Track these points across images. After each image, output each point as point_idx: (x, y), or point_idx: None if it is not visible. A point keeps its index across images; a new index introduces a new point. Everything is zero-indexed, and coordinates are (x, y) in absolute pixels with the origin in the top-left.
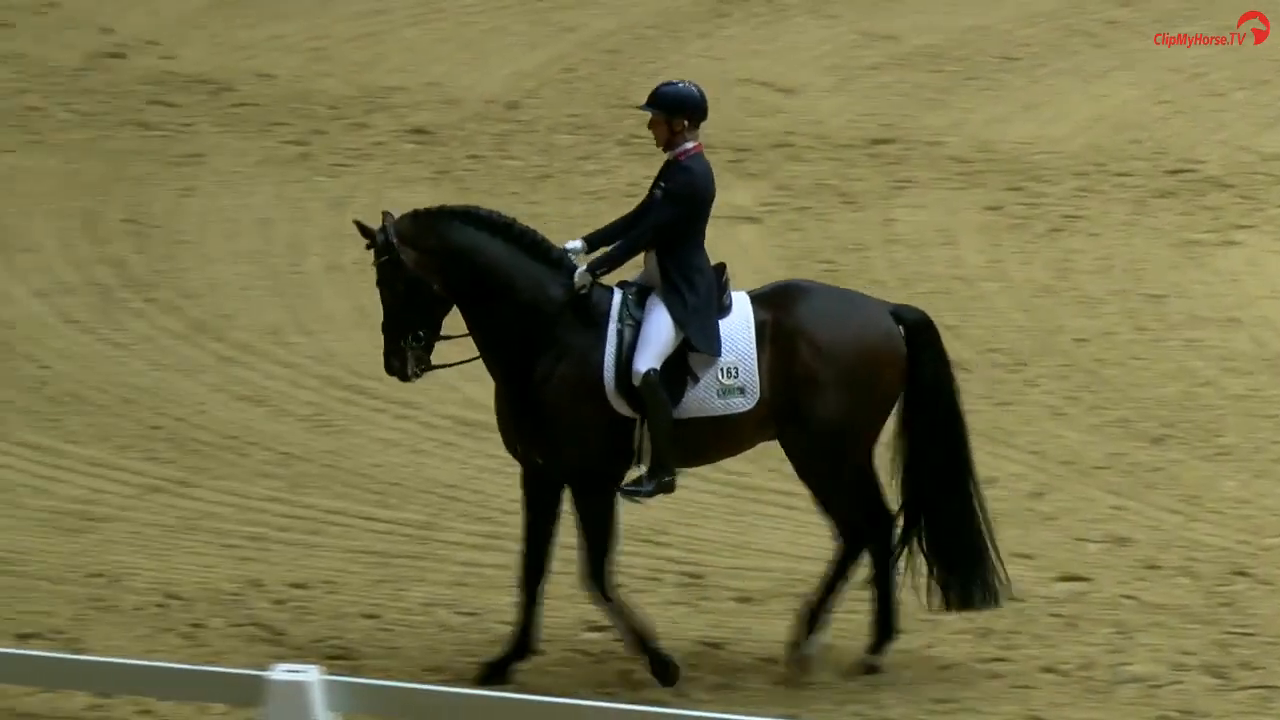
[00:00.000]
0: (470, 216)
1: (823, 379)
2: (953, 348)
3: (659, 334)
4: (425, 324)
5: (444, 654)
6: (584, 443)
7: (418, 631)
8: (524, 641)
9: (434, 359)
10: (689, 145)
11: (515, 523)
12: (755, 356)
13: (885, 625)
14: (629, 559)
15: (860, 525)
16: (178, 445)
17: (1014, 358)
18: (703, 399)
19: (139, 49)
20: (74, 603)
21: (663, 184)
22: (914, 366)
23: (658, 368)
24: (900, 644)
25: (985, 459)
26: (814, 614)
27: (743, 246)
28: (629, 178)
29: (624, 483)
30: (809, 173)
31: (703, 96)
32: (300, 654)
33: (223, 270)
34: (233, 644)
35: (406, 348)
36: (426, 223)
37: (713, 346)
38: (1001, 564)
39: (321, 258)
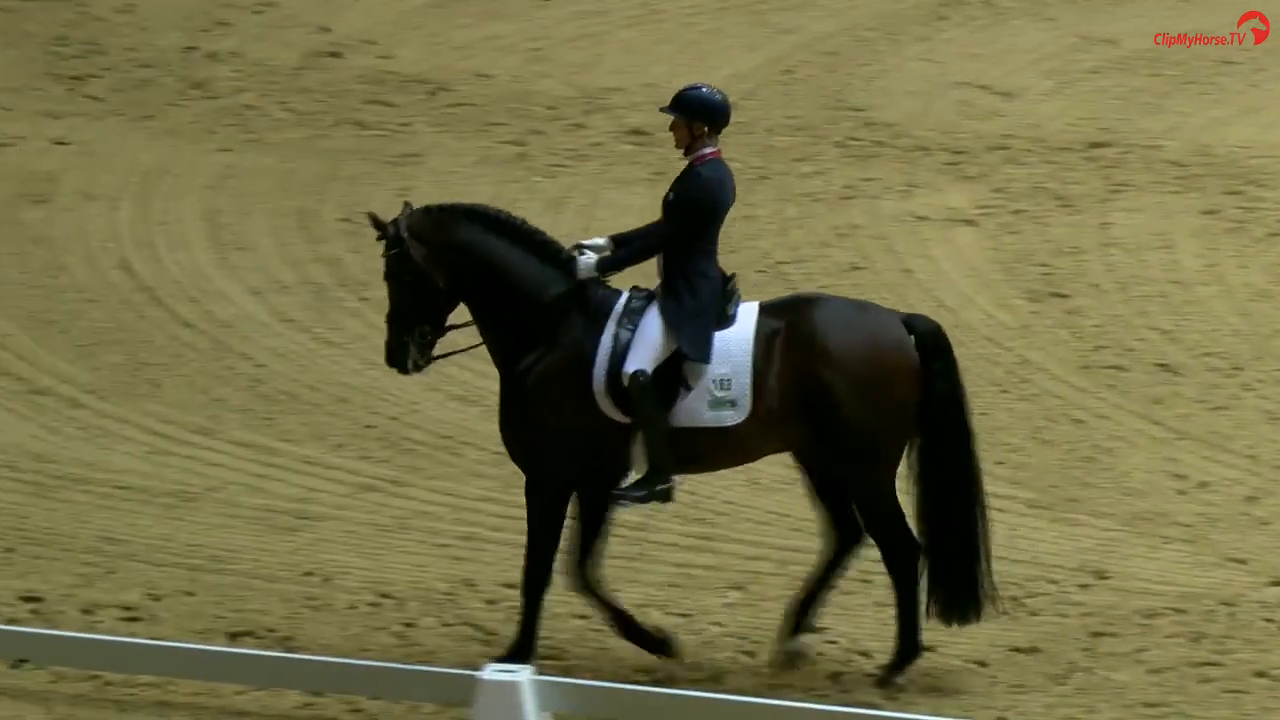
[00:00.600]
0: (477, 214)
1: (836, 388)
2: (1167, 352)
3: (651, 337)
4: (429, 319)
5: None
6: (558, 439)
7: None
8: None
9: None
10: (707, 151)
11: (727, 524)
12: (750, 370)
13: (910, 642)
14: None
15: (897, 545)
16: (391, 444)
17: (1230, 362)
18: (693, 409)
19: (356, 48)
20: (287, 601)
21: (674, 190)
22: (926, 376)
23: (648, 370)
24: (1108, 648)
25: (1200, 463)
26: (801, 611)
27: (958, 249)
28: (845, 180)
29: (618, 487)
30: (1026, 176)
31: (725, 103)
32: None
33: None
34: (444, 643)
35: (410, 341)
36: (437, 219)
37: (703, 354)
38: (991, 575)
39: None
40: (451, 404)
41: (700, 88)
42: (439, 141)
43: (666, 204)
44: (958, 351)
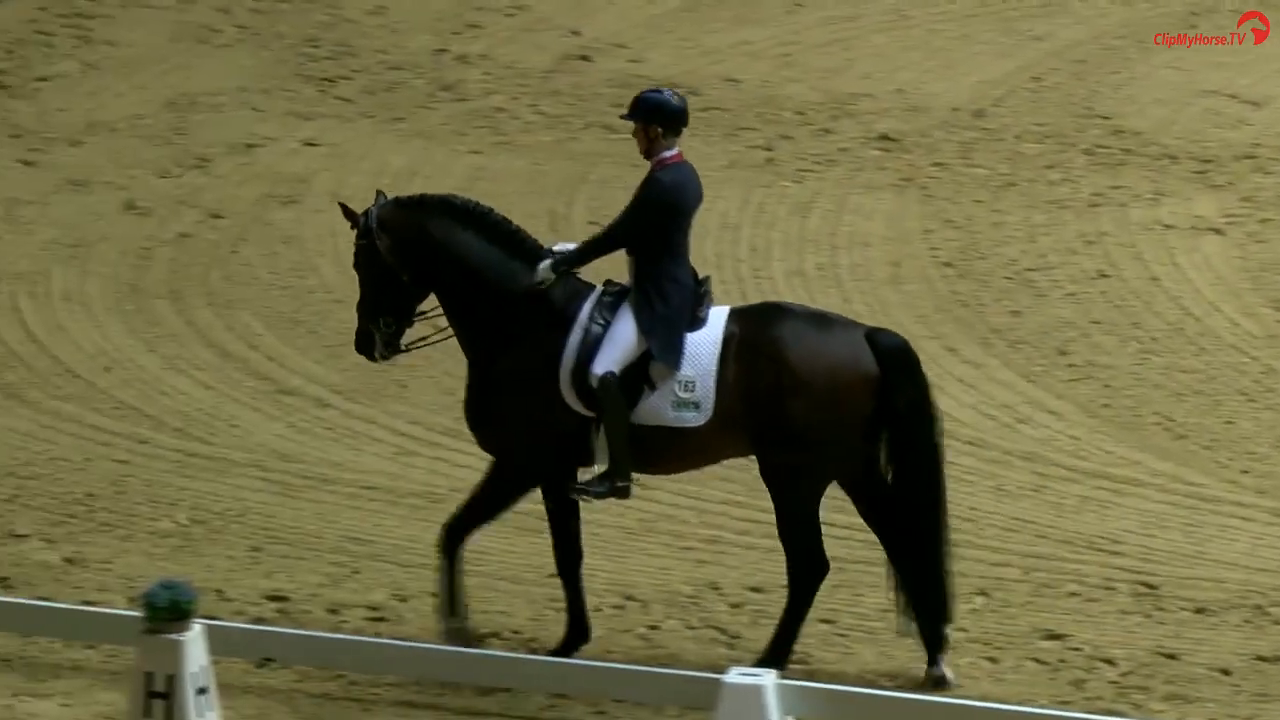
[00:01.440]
0: (447, 206)
1: (787, 396)
2: None
3: (623, 340)
4: (396, 310)
5: (898, 660)
6: (522, 430)
7: (873, 637)
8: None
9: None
10: (667, 154)
11: (973, 530)
12: (715, 374)
13: (779, 654)
14: (1082, 567)
15: (803, 561)
16: None
17: None
18: (658, 408)
19: (607, 52)
20: (533, 603)
21: (634, 195)
22: (888, 391)
23: (616, 372)
24: None
25: None
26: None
27: (1205, 258)
28: (1093, 187)
29: (578, 481)
30: (1274, 185)
31: (680, 106)
32: (755, 657)
33: None
34: (688, 646)
35: (376, 330)
36: (405, 211)
37: (673, 360)
38: (950, 589)
39: (784, 262)
40: None
41: (658, 91)
42: (688, 145)
43: (627, 208)
44: (1202, 359)
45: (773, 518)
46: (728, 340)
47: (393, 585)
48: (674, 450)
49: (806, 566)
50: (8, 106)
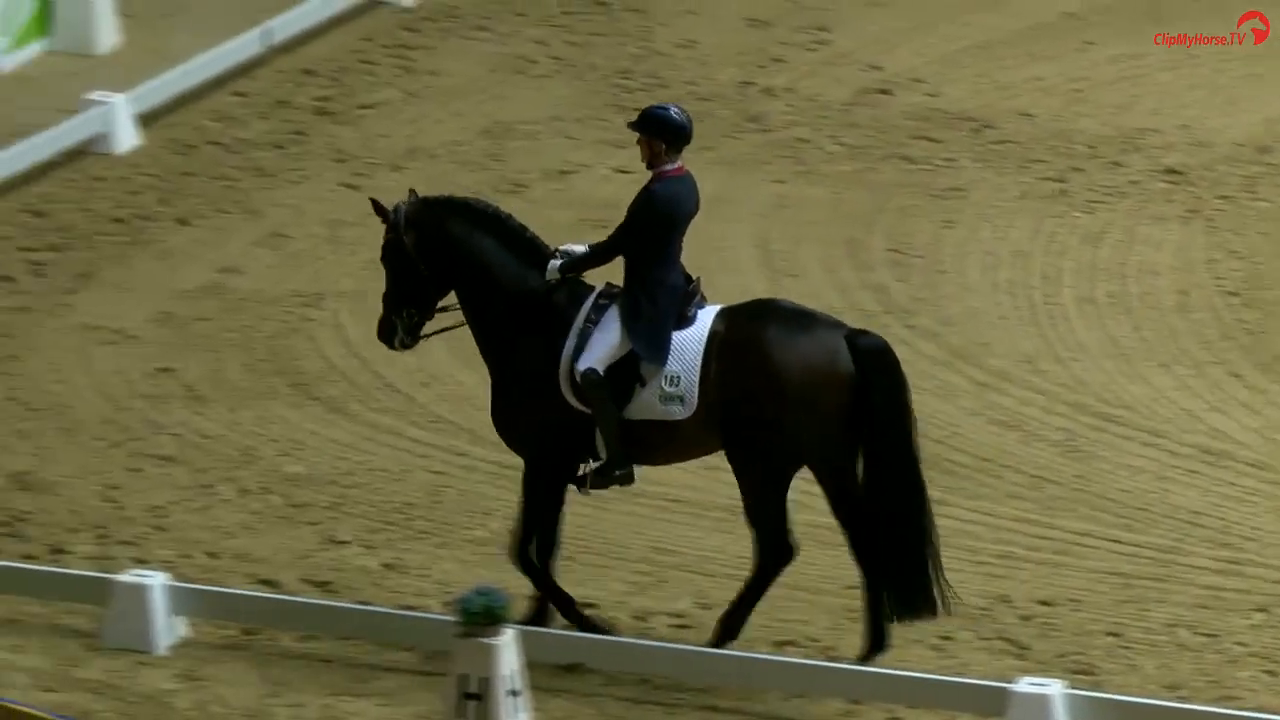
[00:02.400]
0: (467, 208)
1: (762, 393)
2: None
3: (607, 339)
4: (417, 303)
5: (1181, 673)
6: (535, 427)
7: (1158, 650)
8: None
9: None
10: (668, 167)
11: (1255, 549)
12: (699, 369)
13: (731, 627)
14: None
15: (768, 545)
16: (934, 465)
17: None
18: (647, 402)
19: (906, 86)
20: (829, 612)
21: (631, 204)
22: (867, 391)
23: (598, 368)
24: None
25: None
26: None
27: None
28: None
29: (581, 474)
30: None
31: (684, 123)
32: (1044, 668)
33: (980, 300)
34: (979, 657)
35: (399, 320)
36: (430, 210)
37: (658, 356)
38: (943, 577)
39: (1074, 289)
40: (991, 428)
41: (665, 108)
42: (982, 177)
43: (625, 218)
44: None
45: (1060, 535)
46: (712, 337)
47: (696, 593)
48: (666, 441)
49: (772, 551)
50: (332, 132)
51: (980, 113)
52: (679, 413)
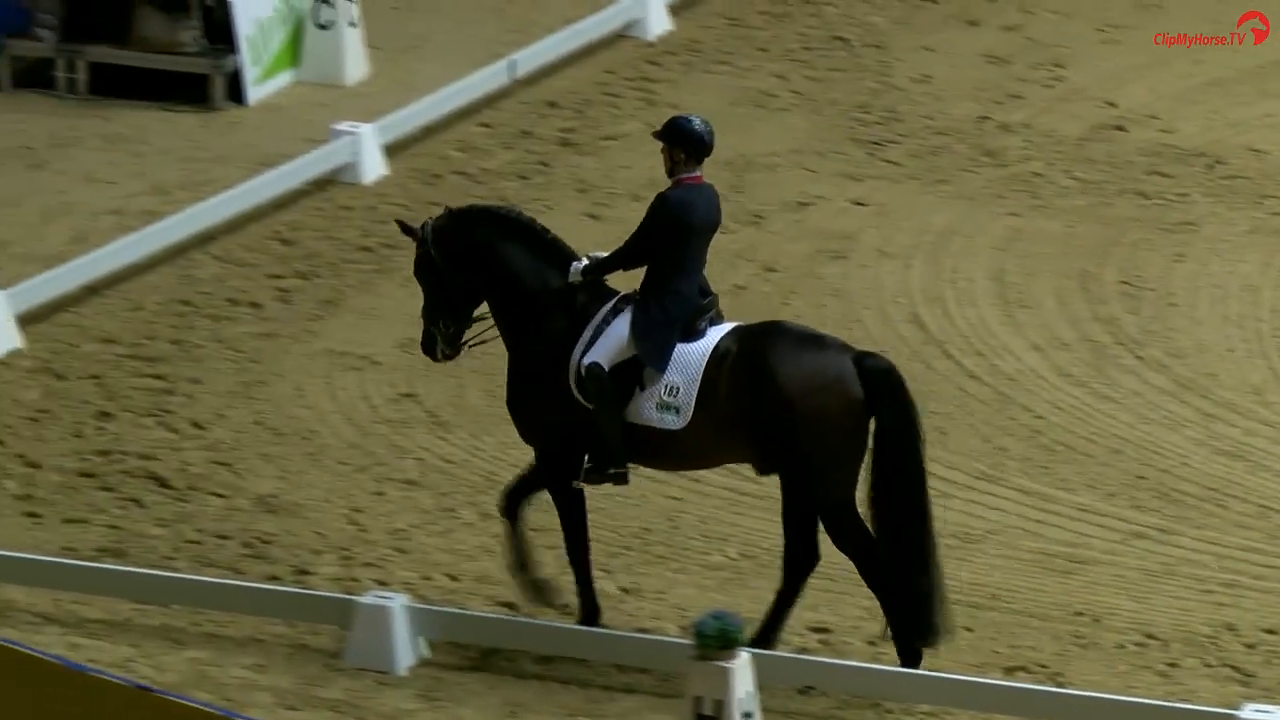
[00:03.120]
0: (491, 216)
1: (771, 414)
2: None
3: (614, 338)
4: (453, 314)
5: None
6: (545, 425)
7: None
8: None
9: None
10: (685, 176)
11: None
12: (699, 383)
13: (910, 655)
14: None
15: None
16: (1161, 495)
17: None
18: (643, 407)
19: (1139, 122)
20: (1057, 639)
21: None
22: (874, 413)
23: (602, 363)
24: None
25: None
26: (764, 637)
27: None
28: None
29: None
30: None
31: (702, 135)
32: (1268, 695)
33: (1209, 332)
34: (1204, 684)
35: (438, 332)
36: (456, 222)
37: (658, 363)
38: (944, 603)
39: None
40: (1220, 458)
41: (688, 119)
42: (1213, 211)
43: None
44: None
45: None
46: (722, 354)
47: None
48: (658, 449)
49: (859, 554)
50: (575, 163)
51: (1212, 149)
52: (673, 423)
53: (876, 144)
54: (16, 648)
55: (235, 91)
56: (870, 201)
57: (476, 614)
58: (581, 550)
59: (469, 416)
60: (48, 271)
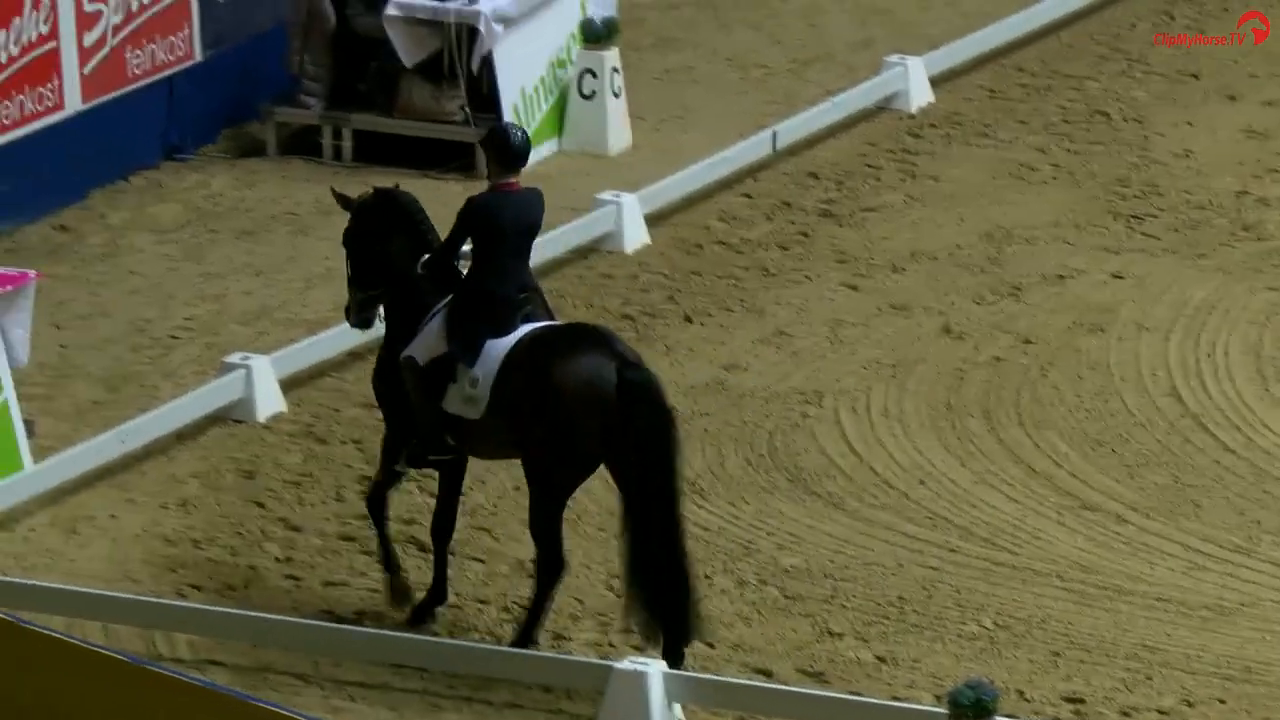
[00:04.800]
0: (397, 204)
1: (528, 410)
2: None
3: (432, 333)
4: (362, 284)
5: None
6: (386, 408)
7: None
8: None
9: None
10: (499, 182)
11: None
12: (494, 376)
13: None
14: None
15: (541, 558)
16: None
17: None
18: (453, 398)
19: None
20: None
21: None
22: (626, 420)
23: (416, 357)
24: None
25: None
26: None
27: None
28: None
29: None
30: None
31: (510, 143)
32: None
33: None
34: None
35: (351, 301)
36: (374, 202)
37: (466, 358)
38: (695, 605)
39: None
40: None
41: (505, 128)
42: None
43: None
44: None
45: None
46: (515, 350)
47: (1182, 691)
48: (464, 437)
49: (545, 564)
50: (836, 234)
51: None
52: (472, 414)
53: (1135, 217)
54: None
55: None
56: (1129, 275)
57: (732, 680)
58: (383, 524)
59: (727, 484)
60: (310, 337)
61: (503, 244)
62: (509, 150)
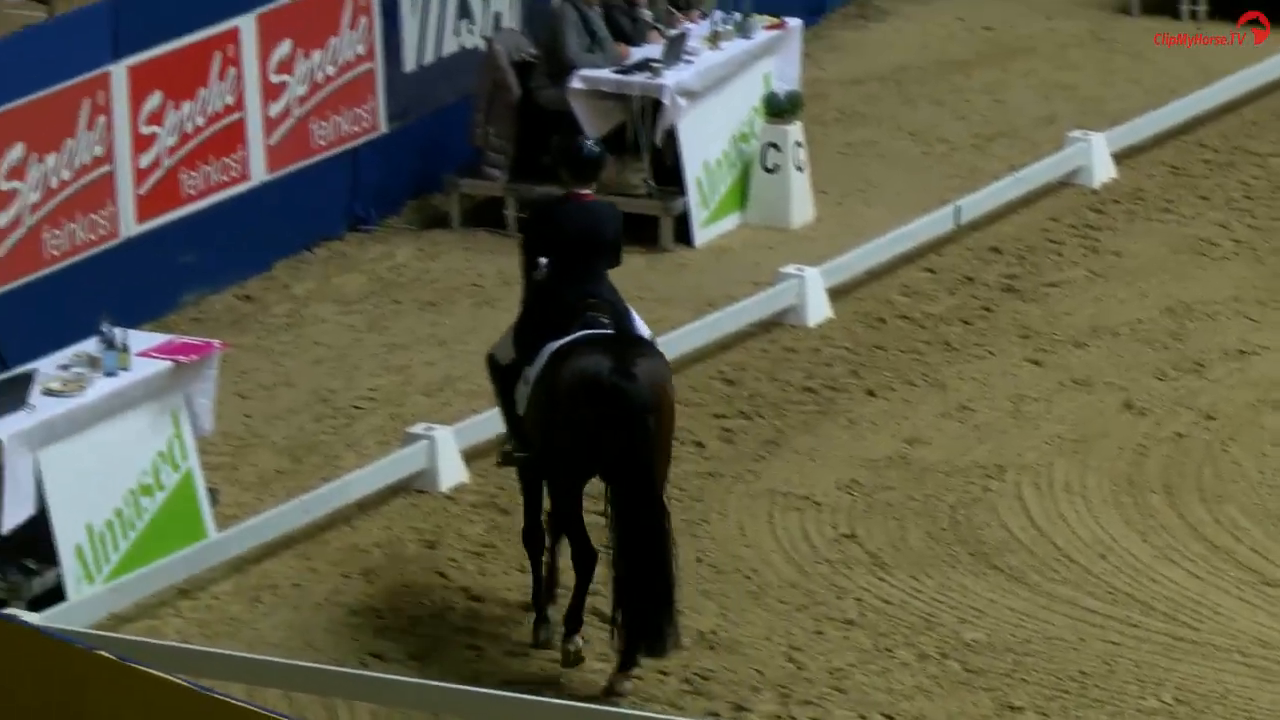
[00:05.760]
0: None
1: (537, 407)
2: None
3: (507, 334)
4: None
5: None
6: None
7: None
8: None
9: None
10: (571, 192)
11: None
12: (535, 376)
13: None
14: None
15: (574, 553)
16: None
17: None
18: (520, 397)
19: None
20: None
21: None
22: (600, 423)
23: (498, 356)
24: None
25: None
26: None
27: None
28: None
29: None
30: None
31: (579, 155)
32: None
33: None
34: None
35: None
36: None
37: (526, 358)
38: (674, 616)
39: None
40: None
41: (579, 142)
42: None
43: None
44: None
45: None
46: (554, 352)
47: None
48: (528, 433)
49: (575, 554)
50: (1019, 309)
51: None
52: (523, 411)
53: None
54: None
55: (683, 233)
56: None
57: None
58: (537, 558)
59: (909, 557)
60: (493, 408)
61: (566, 250)
62: (579, 160)
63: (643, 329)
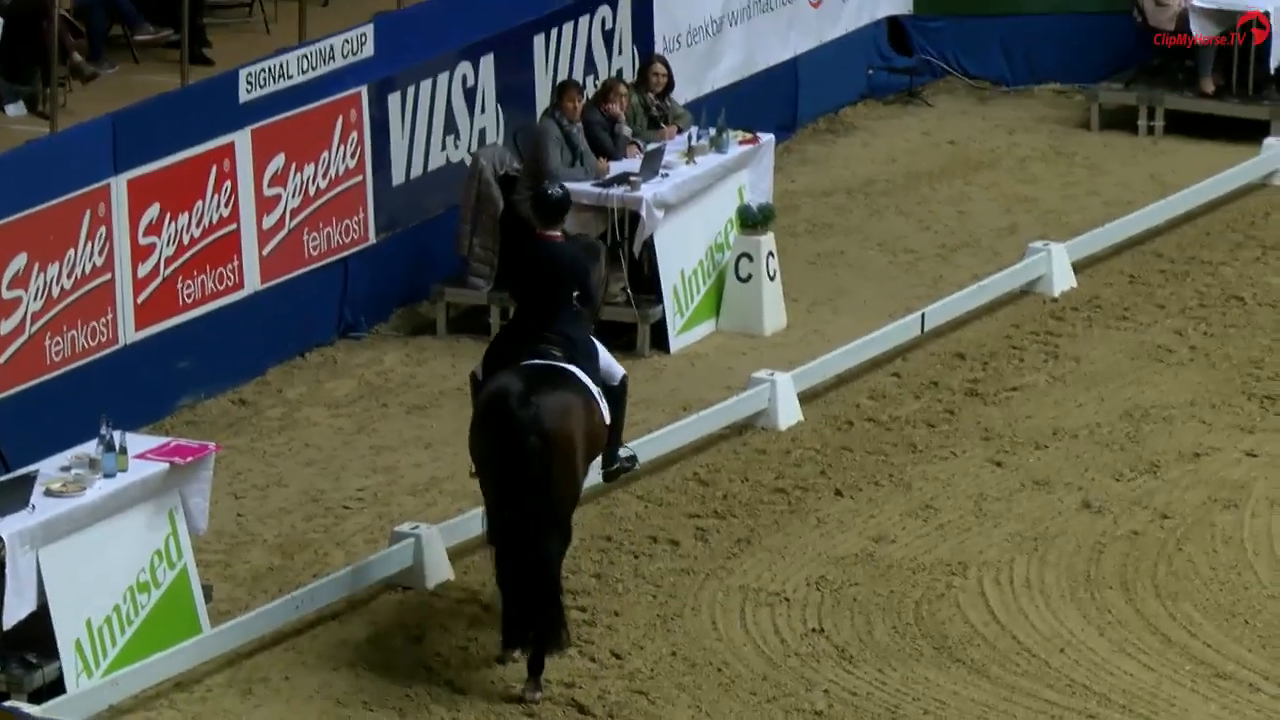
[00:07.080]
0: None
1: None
2: None
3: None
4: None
5: None
6: None
7: None
8: None
9: None
10: (540, 233)
11: None
12: None
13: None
14: None
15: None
16: None
17: None
18: None
19: None
20: None
21: None
22: (496, 444)
23: (478, 372)
24: None
25: None
26: None
27: None
28: None
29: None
30: None
31: (545, 200)
32: None
33: None
34: None
35: None
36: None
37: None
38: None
39: None
40: None
41: (547, 189)
42: None
43: None
44: None
45: None
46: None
47: None
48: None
49: (498, 574)
50: (981, 412)
51: None
52: None
53: (1269, 398)
54: None
55: (659, 339)
56: (1262, 453)
57: None
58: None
59: (875, 651)
60: (478, 507)
61: (529, 285)
62: (545, 205)
63: (613, 368)
